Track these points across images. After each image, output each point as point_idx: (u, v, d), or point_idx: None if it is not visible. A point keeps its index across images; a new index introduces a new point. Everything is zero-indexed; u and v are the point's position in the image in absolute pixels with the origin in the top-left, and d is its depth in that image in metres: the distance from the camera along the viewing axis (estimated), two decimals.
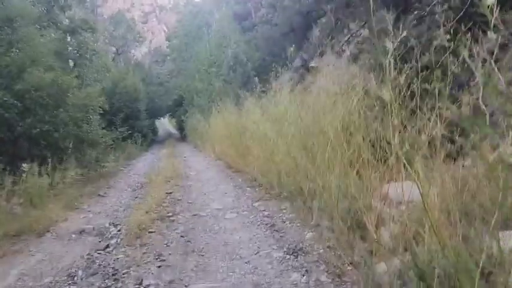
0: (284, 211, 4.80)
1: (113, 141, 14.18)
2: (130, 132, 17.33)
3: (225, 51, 19.24)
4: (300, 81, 15.81)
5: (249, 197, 5.88)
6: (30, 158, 6.82)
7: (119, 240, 4.40)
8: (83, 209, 6.16)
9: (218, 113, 11.42)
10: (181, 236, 4.27)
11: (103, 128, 15.67)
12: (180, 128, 29.05)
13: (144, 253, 3.79)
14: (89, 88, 9.12)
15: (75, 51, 12.70)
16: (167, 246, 4.00)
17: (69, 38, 12.91)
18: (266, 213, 4.80)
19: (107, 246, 4.17)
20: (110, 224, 5.18)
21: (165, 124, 41.24)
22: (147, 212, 5.35)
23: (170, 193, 6.85)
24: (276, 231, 4.06)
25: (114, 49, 26.66)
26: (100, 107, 12.22)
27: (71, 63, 12.70)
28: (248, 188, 6.53)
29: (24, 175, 6.18)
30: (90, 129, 9.20)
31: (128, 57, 31.81)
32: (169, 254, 3.75)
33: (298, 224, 4.23)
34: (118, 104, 18.77)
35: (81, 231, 4.89)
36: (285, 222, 4.36)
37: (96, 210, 6.06)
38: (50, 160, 7.26)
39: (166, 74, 35.01)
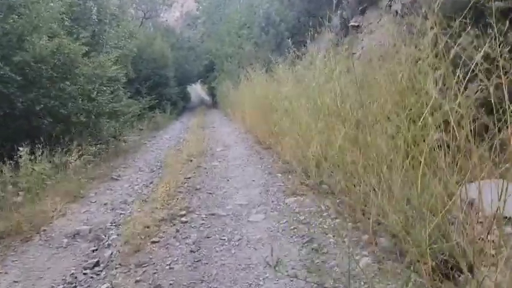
0: (325, 215, 3.70)
1: (139, 111, 13.46)
2: (157, 100, 16.53)
3: (257, 11, 17.75)
4: (339, 43, 14.29)
5: (280, 188, 4.80)
6: (31, 139, 5.99)
7: (114, 252, 3.49)
8: (88, 199, 5.31)
9: (247, 80, 10.24)
10: (191, 251, 3.28)
11: (129, 98, 15.01)
12: (212, 94, 28.06)
13: (137, 282, 2.83)
14: (101, 56, 8.15)
15: (95, 16, 11.72)
16: (170, 268, 3.02)
17: (91, 3, 11.93)
18: (302, 217, 3.71)
19: (97, 264, 3.25)
20: (111, 224, 4.29)
21: (197, 90, 40.40)
22: (156, 208, 4.41)
23: (189, 178, 5.89)
24: (316, 250, 2.98)
25: (142, 13, 25.59)
26: (124, 76, 11.45)
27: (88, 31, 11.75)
28: (279, 175, 5.44)
29: (22, 160, 5.35)
30: (107, 102, 8.28)
31: (158, 22, 30.67)
32: (170, 284, 2.77)
33: (345, 239, 3.13)
34: (145, 71, 17.94)
35: (75, 234, 4.02)
36: (327, 234, 3.26)
37: (103, 201, 5.19)
38: (56, 140, 6.48)
39: (197, 39, 33.76)
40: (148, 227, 3.80)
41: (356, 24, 14.23)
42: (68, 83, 6.79)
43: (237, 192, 4.86)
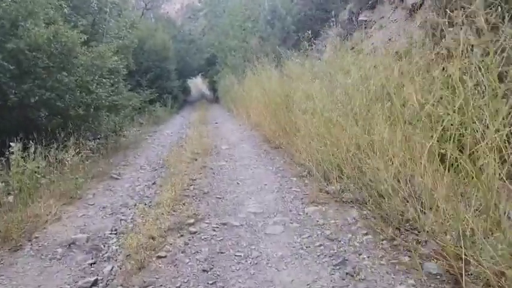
0: (354, 229, 3.27)
1: (140, 104, 13.04)
2: (158, 94, 16.07)
3: (262, 3, 17.23)
4: (348, 38, 13.86)
5: (297, 194, 4.36)
6: (24, 134, 5.53)
7: (114, 267, 3.06)
8: (86, 201, 4.87)
9: (254, 75, 9.78)
10: (204, 270, 2.85)
11: (130, 90, 14.56)
12: (213, 89, 27.53)
13: None
14: (101, 46, 7.67)
15: (95, 4, 11.23)
16: None
17: None
18: (327, 232, 3.27)
19: (95, 283, 2.83)
20: (111, 232, 3.86)
21: (198, 84, 39.83)
22: (162, 215, 3.98)
23: (195, 180, 5.46)
24: (351, 276, 2.55)
25: (143, 4, 25.01)
26: (124, 68, 11.02)
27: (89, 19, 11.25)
28: (294, 179, 4.99)
29: (13, 157, 4.90)
30: (107, 94, 7.81)
31: (159, 13, 30.08)
32: None
33: (382, 261, 2.70)
34: (146, 63, 17.48)
35: (71, 243, 3.59)
36: (361, 255, 2.83)
37: (101, 203, 4.76)
38: (52, 135, 6.04)
39: (199, 31, 33.18)
40: (153, 238, 3.37)
41: (365, 19, 13.76)
42: (65, 73, 6.32)
43: (249, 197, 4.42)
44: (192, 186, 5.13)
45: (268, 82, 7.99)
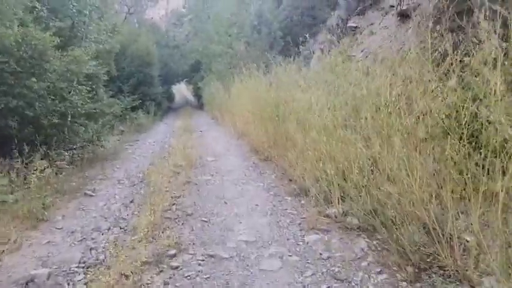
0: (365, 265, 2.79)
1: (121, 111, 12.43)
2: (141, 100, 15.45)
3: (248, 9, 16.85)
4: (336, 45, 13.46)
5: (294, 218, 3.87)
6: None
7: None
8: (53, 224, 4.28)
9: (241, 81, 9.30)
10: None
11: (111, 97, 13.92)
12: (197, 95, 26.94)
13: None
14: (76, 50, 7.08)
15: (72, 6, 10.62)
16: None
17: None
18: (334, 268, 2.78)
19: None
20: (78, 265, 3.29)
21: (182, 90, 39.15)
22: (138, 242, 3.45)
23: (177, 197, 4.93)
24: None
25: (126, 8, 24.33)
26: (105, 73, 10.47)
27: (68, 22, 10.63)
28: (288, 198, 4.50)
29: None
30: (83, 102, 7.22)
31: (143, 19, 29.43)
32: None
33: None
34: (128, 69, 16.87)
35: (29, 281, 3.02)
36: None
37: (71, 227, 4.18)
38: (20, 146, 5.44)
39: (183, 37, 32.62)
40: (126, 276, 2.83)
41: (354, 25, 13.48)
42: (34, 79, 5.73)
43: (239, 221, 3.91)
44: (175, 205, 4.60)
45: (257, 90, 7.51)
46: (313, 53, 14.84)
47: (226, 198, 4.76)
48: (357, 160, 3.20)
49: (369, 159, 3.14)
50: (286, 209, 4.10)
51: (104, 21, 11.62)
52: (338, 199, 3.64)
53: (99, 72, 9.49)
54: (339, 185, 3.70)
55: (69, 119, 7.08)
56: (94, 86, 9.29)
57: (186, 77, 30.88)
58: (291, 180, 5.11)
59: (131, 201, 5.06)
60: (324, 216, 3.66)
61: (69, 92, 7.00)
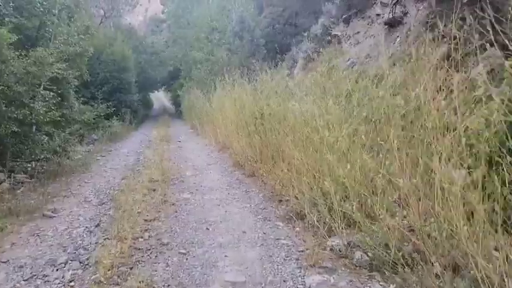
0: None
1: (93, 119, 11.62)
2: (115, 108, 14.60)
3: (230, 15, 16.31)
4: (319, 54, 13.03)
5: (290, 251, 3.23)
6: None
7: None
8: None
9: (223, 89, 8.68)
10: None
11: (84, 103, 13.07)
12: (176, 103, 26.15)
13: None
14: (39, 50, 6.31)
15: (39, 3, 9.81)
16: None
17: None
18: None
19: None
20: None
21: (160, 98, 38.26)
22: (99, 284, 2.77)
23: (151, 221, 4.25)
24: None
25: (102, 12, 23.43)
26: (76, 78, 9.71)
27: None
28: (280, 224, 3.88)
29: None
30: (46, 109, 6.46)
31: (119, 23, 28.52)
32: None
33: None
34: (103, 74, 16.01)
35: None
36: None
37: (19, 259, 3.45)
38: None
39: (162, 43, 31.84)
40: None
41: (339, 33, 13.10)
42: None
43: (224, 254, 3.26)
44: (148, 232, 3.92)
45: (241, 98, 6.91)
46: (296, 61, 14.42)
47: (208, 222, 4.11)
48: (380, 192, 2.62)
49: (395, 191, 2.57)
50: (279, 239, 3.47)
51: (75, 22, 10.87)
52: (341, 227, 3.05)
53: (69, 76, 8.75)
54: (342, 211, 3.12)
55: (30, 128, 6.37)
56: (62, 91, 8.55)
57: (164, 84, 30.12)
58: (281, 201, 4.50)
59: (97, 225, 4.34)
60: (325, 250, 3.07)
61: (31, 98, 6.26)
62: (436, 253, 2.30)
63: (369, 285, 2.53)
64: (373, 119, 2.96)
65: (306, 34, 14.81)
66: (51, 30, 9.51)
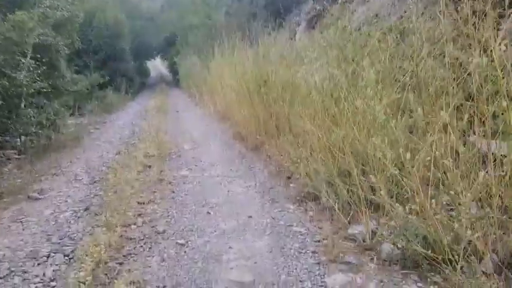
0: None
1: (87, 89, 11.09)
2: (109, 77, 13.96)
3: None
4: (325, 13, 12.39)
5: (304, 240, 2.78)
6: None
7: None
8: None
9: (222, 55, 8.09)
10: None
11: (77, 72, 12.50)
12: (173, 71, 25.32)
13: None
14: (17, 14, 5.68)
15: None
16: None
17: None
18: None
19: None
20: None
21: (157, 66, 37.27)
22: (84, 284, 2.37)
23: (146, 204, 3.82)
24: None
25: None
26: (67, 46, 9.11)
27: None
28: (291, 207, 3.41)
29: None
30: (30, 80, 5.93)
31: None
32: None
33: None
34: (96, 41, 15.25)
35: None
36: None
37: None
38: None
39: (158, 9, 30.61)
40: None
41: None
42: None
43: (228, 244, 2.83)
44: (141, 217, 3.50)
45: (243, 64, 6.34)
46: (299, 23, 13.66)
47: (209, 204, 3.67)
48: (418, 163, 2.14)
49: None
50: (290, 225, 3.04)
51: None
52: (364, 210, 2.61)
53: (58, 43, 8.16)
54: (364, 193, 2.67)
55: (16, 100, 5.88)
56: (52, 60, 7.99)
57: (161, 51, 29.16)
58: (289, 178, 4.06)
59: (86, 209, 3.92)
60: (346, 239, 2.64)
61: (13, 67, 5.71)
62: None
63: (404, 287, 2.11)
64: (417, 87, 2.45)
65: None
66: None
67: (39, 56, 6.48)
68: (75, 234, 3.30)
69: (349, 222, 2.79)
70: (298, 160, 3.55)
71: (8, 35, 5.26)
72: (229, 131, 7.05)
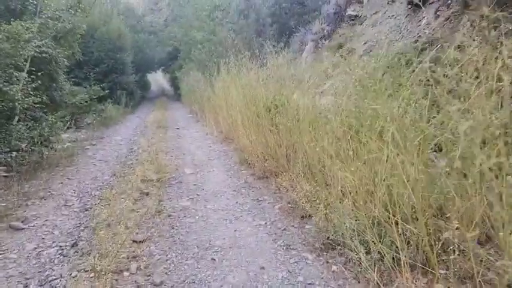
0: None
1: (86, 102, 10.72)
2: (109, 90, 13.59)
3: None
4: (331, 36, 12.19)
5: None
6: None
7: None
8: None
9: (229, 73, 7.71)
10: None
11: (77, 84, 12.16)
12: (174, 85, 25.04)
13: None
14: (13, 24, 5.28)
15: None
16: None
17: None
18: None
19: None
20: None
21: (159, 79, 37.06)
22: None
23: (142, 243, 3.36)
24: None
25: None
26: (67, 58, 8.82)
27: None
28: (309, 257, 2.96)
29: None
30: (24, 94, 5.52)
31: (117, 0, 27.14)
32: None
33: None
34: (97, 53, 14.96)
35: None
36: None
37: None
38: None
39: (161, 23, 30.53)
40: None
41: (354, 13, 12.06)
42: None
43: None
44: (136, 261, 3.03)
45: (251, 85, 5.94)
46: (306, 43, 13.37)
47: (214, 247, 3.21)
48: None
49: None
50: (311, 284, 2.57)
51: None
52: (405, 276, 2.16)
53: (58, 55, 7.86)
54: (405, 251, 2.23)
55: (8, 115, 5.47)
56: (51, 72, 7.68)
57: (162, 65, 28.99)
58: (304, 217, 3.61)
59: (73, 245, 3.45)
60: None
61: (6, 81, 5.30)
62: None
63: None
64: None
65: (316, 13, 13.77)
66: (35, 2, 8.46)
67: (35, 68, 6.11)
68: (58, 281, 2.83)
69: (383, 285, 2.34)
70: (317, 200, 3.11)
71: (1, 46, 4.85)
72: (234, 155, 6.62)
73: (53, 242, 3.53)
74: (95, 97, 11.77)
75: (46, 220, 4.08)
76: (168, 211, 4.13)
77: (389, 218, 2.35)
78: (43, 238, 3.63)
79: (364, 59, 4.13)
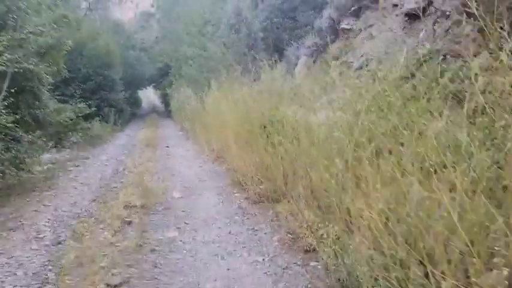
0: None
1: (71, 120, 10.21)
2: (96, 108, 13.08)
3: (224, 6, 14.88)
4: (325, 50, 11.91)
5: None
6: None
7: None
8: None
9: (220, 89, 7.27)
10: None
11: (63, 102, 11.68)
12: (165, 102, 24.64)
13: None
14: None
15: None
16: None
17: None
18: None
19: None
20: None
21: (150, 96, 36.63)
22: None
23: (119, 286, 2.85)
24: None
25: (85, 3, 21.68)
26: (52, 74, 8.43)
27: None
28: None
29: None
30: None
31: (107, 17, 26.80)
32: None
33: None
34: (85, 70, 14.50)
35: None
36: None
37: None
38: None
39: (152, 40, 30.27)
40: None
41: (348, 27, 11.75)
42: None
43: None
44: None
45: (243, 102, 5.50)
46: (298, 58, 13.03)
47: None
48: None
49: None
50: None
51: (47, 10, 9.37)
52: None
53: (40, 72, 7.44)
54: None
55: None
56: (33, 89, 7.26)
57: (153, 81, 28.64)
58: (308, 251, 3.12)
59: None
60: None
61: None
62: None
63: None
64: None
65: (308, 28, 13.47)
66: (15, 16, 7.99)
67: (15, 85, 5.67)
68: None
69: None
70: (325, 235, 2.63)
71: None
72: (226, 176, 6.13)
73: (14, 287, 3.00)
74: (80, 115, 11.25)
75: (11, 257, 3.55)
76: (152, 244, 3.62)
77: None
78: (2, 282, 3.09)
79: (367, 72, 3.73)
